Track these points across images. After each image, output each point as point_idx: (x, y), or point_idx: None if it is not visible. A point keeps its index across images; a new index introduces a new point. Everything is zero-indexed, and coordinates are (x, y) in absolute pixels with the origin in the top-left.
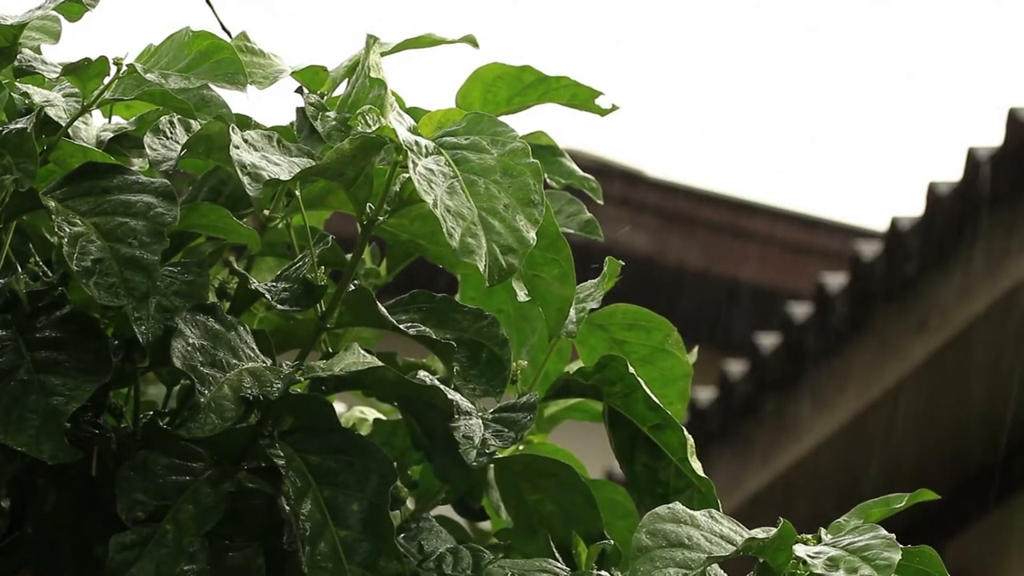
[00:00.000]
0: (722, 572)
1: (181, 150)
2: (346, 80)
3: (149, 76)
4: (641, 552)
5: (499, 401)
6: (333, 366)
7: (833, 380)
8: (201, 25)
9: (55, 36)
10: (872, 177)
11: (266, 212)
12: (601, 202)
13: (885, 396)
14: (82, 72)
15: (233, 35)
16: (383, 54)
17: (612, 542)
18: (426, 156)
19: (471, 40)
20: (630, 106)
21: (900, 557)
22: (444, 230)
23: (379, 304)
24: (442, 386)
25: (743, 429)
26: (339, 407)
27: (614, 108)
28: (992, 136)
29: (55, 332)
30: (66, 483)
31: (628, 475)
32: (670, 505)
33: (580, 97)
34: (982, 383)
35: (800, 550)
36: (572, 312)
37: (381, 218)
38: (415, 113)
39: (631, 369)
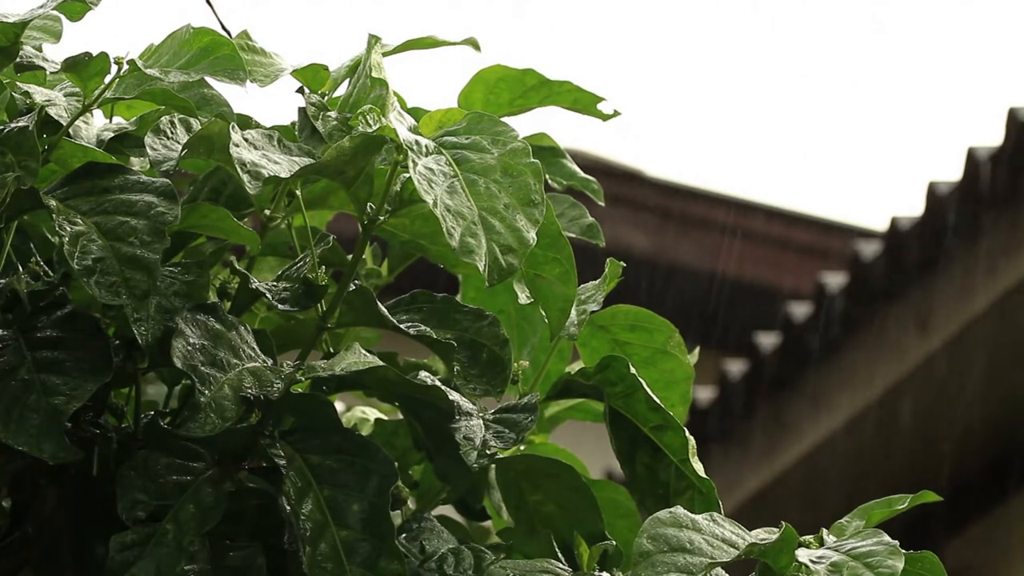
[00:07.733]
0: (725, 574)
1: (182, 150)
2: (347, 80)
3: (149, 71)
4: (643, 557)
5: (500, 401)
6: (334, 366)
7: (833, 380)
8: (202, 25)
9: (56, 35)
10: (872, 177)
11: (267, 212)
12: (603, 204)
13: (885, 396)
14: (83, 70)
15: (233, 34)
16: (385, 54)
17: (614, 543)
18: (426, 155)
19: (473, 43)
20: (631, 106)
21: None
22: (444, 229)
23: (380, 304)
24: (443, 386)
25: (743, 429)
26: (340, 407)
27: (616, 113)
28: (992, 136)
29: (56, 332)
30: (67, 483)
31: (629, 476)
32: (671, 509)
33: (582, 102)
34: (982, 383)
35: (803, 554)
36: (573, 314)
37: (382, 218)
38: (417, 113)
39: (632, 369)
